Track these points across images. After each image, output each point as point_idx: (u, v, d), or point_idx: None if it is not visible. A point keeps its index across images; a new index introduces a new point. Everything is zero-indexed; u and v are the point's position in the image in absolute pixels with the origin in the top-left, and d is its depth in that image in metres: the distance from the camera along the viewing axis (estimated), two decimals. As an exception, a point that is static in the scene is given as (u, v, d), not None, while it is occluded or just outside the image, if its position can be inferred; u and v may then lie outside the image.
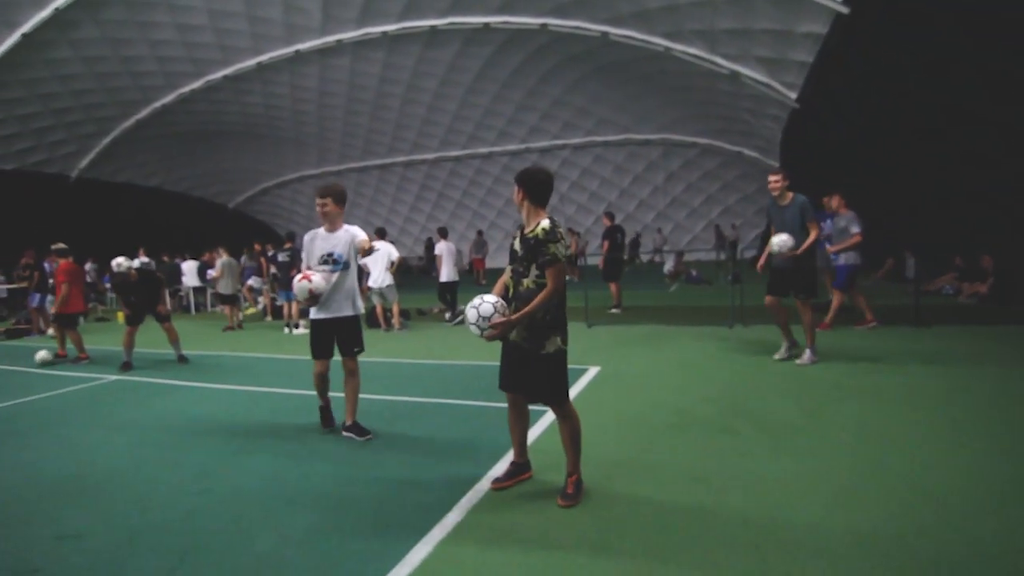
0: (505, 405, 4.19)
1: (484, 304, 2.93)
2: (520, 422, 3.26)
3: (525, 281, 2.97)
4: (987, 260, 9.88)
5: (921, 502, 2.82)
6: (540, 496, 3.09)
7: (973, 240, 10.38)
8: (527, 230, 2.99)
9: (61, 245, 8.34)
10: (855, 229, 7.32)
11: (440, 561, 2.49)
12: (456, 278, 10.81)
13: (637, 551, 2.51)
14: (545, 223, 2.93)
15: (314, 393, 4.54)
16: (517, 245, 3.03)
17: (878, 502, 2.84)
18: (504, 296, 3.09)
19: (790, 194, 5.72)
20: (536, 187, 2.99)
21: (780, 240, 5.60)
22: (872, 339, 6.87)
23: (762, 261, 6.20)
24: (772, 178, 5.81)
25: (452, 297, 10.71)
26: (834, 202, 7.68)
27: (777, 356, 6.03)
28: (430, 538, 2.67)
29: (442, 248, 10.68)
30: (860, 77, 11.62)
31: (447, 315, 10.70)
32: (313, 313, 4.20)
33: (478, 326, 2.95)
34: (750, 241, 23.40)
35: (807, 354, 5.79)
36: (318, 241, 4.22)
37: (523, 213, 3.04)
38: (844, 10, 10.75)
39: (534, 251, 2.91)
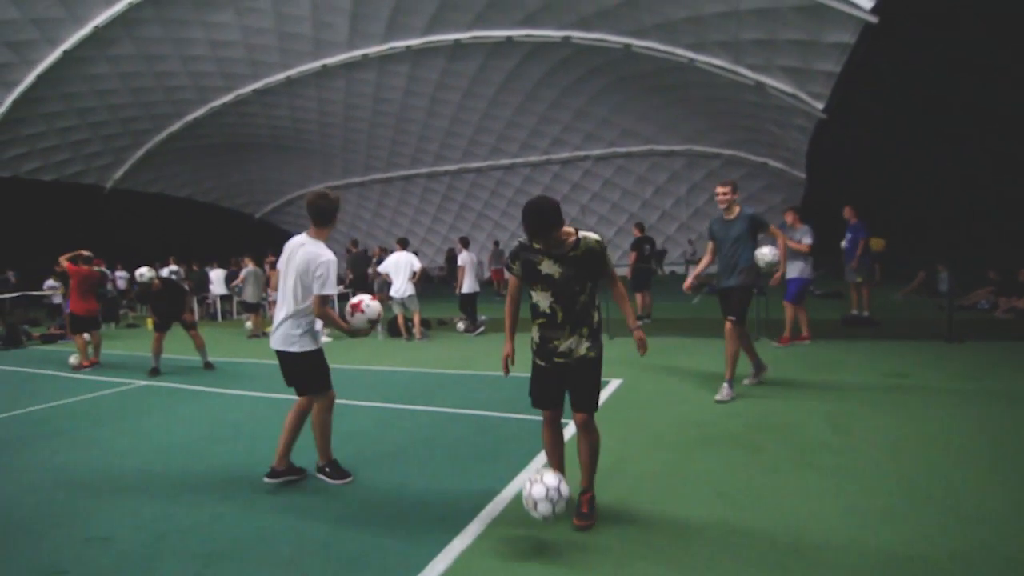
0: (526, 416, 4.17)
1: (552, 492, 2.64)
2: (560, 443, 3.12)
3: (582, 298, 2.86)
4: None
5: (954, 524, 2.71)
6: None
7: (1009, 253, 10.06)
8: (566, 250, 2.82)
9: (84, 252, 8.50)
10: (807, 240, 7.49)
11: (462, 571, 2.48)
12: (477, 289, 10.84)
13: (660, 569, 2.46)
14: (591, 235, 2.90)
15: (336, 400, 4.55)
16: (552, 268, 2.83)
17: (909, 523, 2.74)
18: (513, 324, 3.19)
19: (737, 208, 5.28)
20: (540, 218, 2.74)
21: (768, 254, 5.22)
22: (904, 355, 6.68)
23: (690, 282, 5.68)
24: (721, 190, 5.28)
25: (472, 308, 10.73)
26: (788, 217, 7.96)
27: (747, 381, 5.53)
28: (451, 549, 2.65)
29: (464, 259, 10.71)
30: (889, 87, 11.43)
31: (459, 325, 10.73)
32: (320, 343, 3.70)
33: (555, 511, 2.66)
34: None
35: (724, 389, 5.07)
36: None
37: (546, 243, 2.82)
38: (872, 19, 10.60)
39: (592, 264, 2.85)
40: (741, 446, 3.92)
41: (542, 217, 2.72)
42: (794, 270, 7.51)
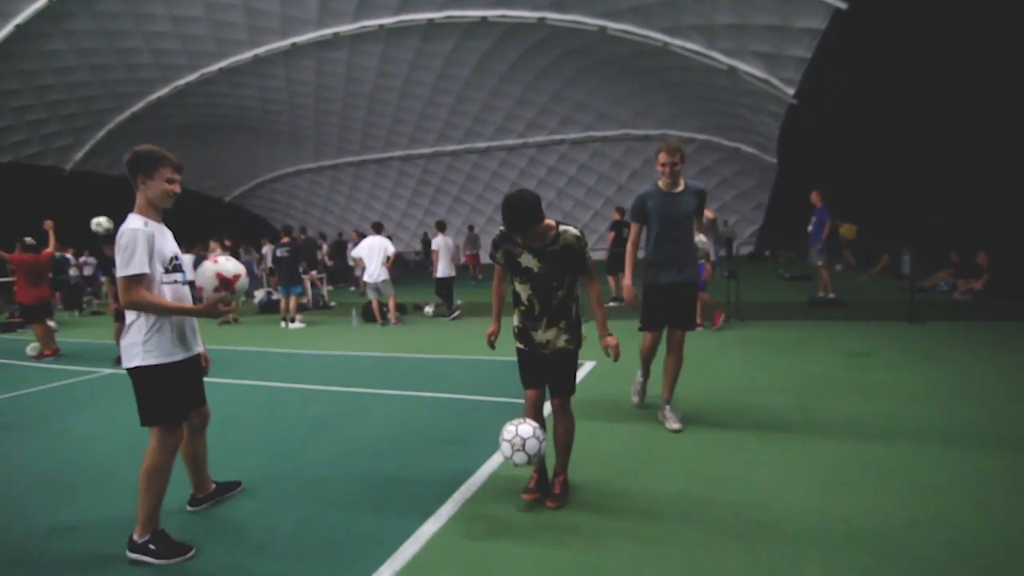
0: (500, 399, 4.21)
1: (531, 441, 2.77)
2: (541, 422, 3.07)
3: (560, 293, 2.90)
4: (983, 257, 9.91)
5: (912, 496, 2.83)
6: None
7: (969, 236, 10.41)
8: (546, 244, 2.83)
9: (27, 239, 8.13)
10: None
11: (434, 552, 2.50)
12: (453, 273, 10.81)
13: (629, 542, 2.52)
14: (571, 229, 2.88)
15: (310, 386, 4.51)
16: (531, 261, 2.85)
17: (869, 495, 2.86)
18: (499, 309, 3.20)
19: (683, 180, 4.12)
20: (519, 212, 2.70)
21: (704, 243, 4.34)
22: (867, 335, 6.89)
23: (629, 281, 4.40)
24: (667, 158, 3.98)
25: (448, 292, 10.70)
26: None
27: (636, 400, 4.58)
28: (424, 531, 2.67)
29: (439, 243, 10.67)
30: (858, 73, 11.62)
31: (427, 309, 10.73)
32: (177, 354, 2.66)
33: (531, 461, 2.80)
34: (746, 237, 23.44)
35: (668, 412, 4.07)
36: (157, 234, 2.64)
37: (526, 239, 2.82)
38: (842, 5, 10.72)
39: (570, 259, 2.87)
40: (709, 425, 4.01)
41: (523, 212, 2.68)
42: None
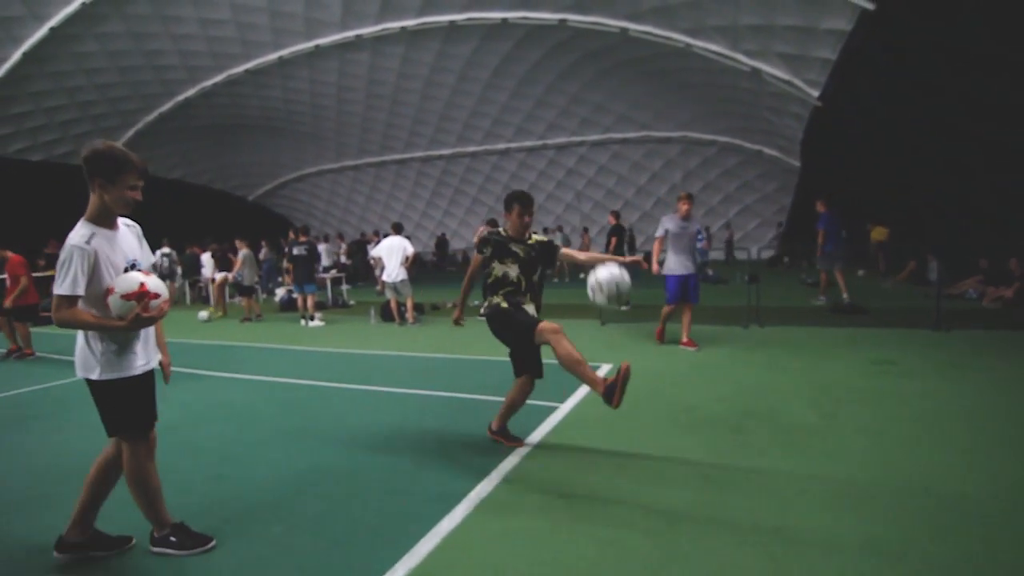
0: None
1: (625, 278, 3.71)
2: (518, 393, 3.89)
3: (534, 277, 3.84)
4: (1014, 263, 9.64)
5: (935, 506, 2.77)
6: (548, 492, 3.10)
7: (1000, 242, 10.14)
8: (528, 238, 3.85)
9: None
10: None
11: (448, 551, 2.52)
12: None
13: (645, 549, 2.50)
14: (542, 236, 4.01)
15: (327, 383, 4.54)
16: (520, 250, 3.77)
17: (891, 506, 2.80)
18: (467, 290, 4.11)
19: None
20: (532, 204, 3.88)
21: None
22: (891, 342, 6.75)
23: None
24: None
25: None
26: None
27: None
28: (438, 530, 2.69)
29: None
30: (885, 75, 11.40)
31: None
32: (137, 367, 2.51)
33: (621, 296, 3.74)
34: (768, 241, 23.11)
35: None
36: (106, 245, 2.41)
37: (519, 228, 3.81)
38: (870, 6, 10.53)
39: (545, 253, 3.89)
40: (728, 430, 3.97)
41: (530, 199, 3.86)
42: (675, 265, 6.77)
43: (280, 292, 13.73)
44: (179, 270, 15.77)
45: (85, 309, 2.37)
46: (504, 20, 15.83)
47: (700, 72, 16.34)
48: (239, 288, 11.58)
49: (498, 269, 3.73)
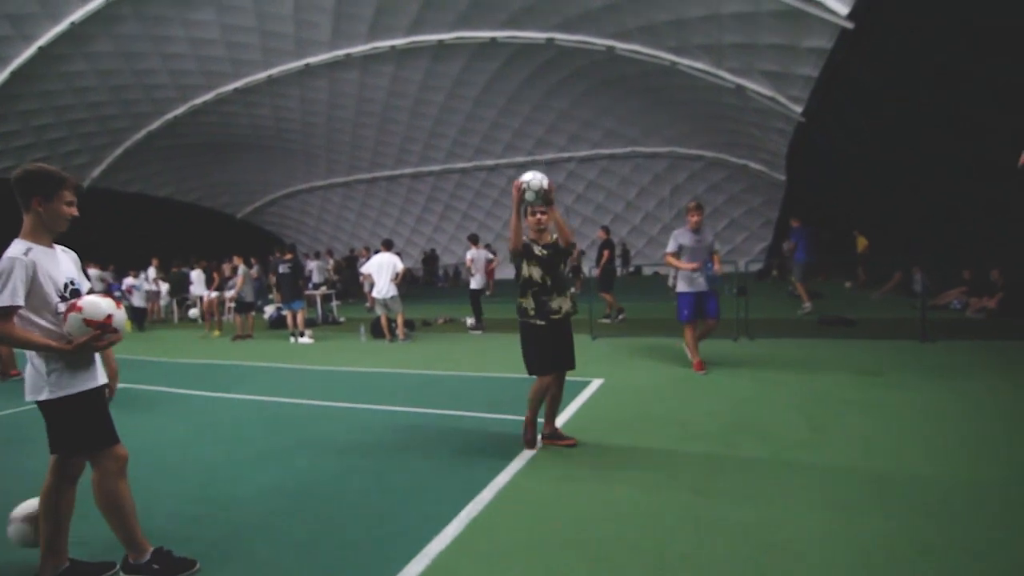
0: (507, 416, 4.27)
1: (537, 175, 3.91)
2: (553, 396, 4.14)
3: (561, 269, 4.21)
4: (996, 274, 9.80)
5: (924, 519, 2.79)
6: (539, 509, 3.08)
7: (982, 253, 10.31)
8: (551, 239, 4.13)
9: None
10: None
11: (437, 573, 2.49)
12: (481, 286, 11.06)
13: (635, 567, 2.49)
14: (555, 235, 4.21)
15: (317, 402, 4.48)
16: (540, 251, 4.03)
17: (881, 519, 2.81)
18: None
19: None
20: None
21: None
22: (878, 354, 6.82)
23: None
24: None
25: (476, 304, 10.81)
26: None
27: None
28: (428, 551, 2.66)
29: (473, 254, 11.03)
30: (866, 91, 11.65)
31: (468, 321, 10.90)
32: (87, 383, 2.46)
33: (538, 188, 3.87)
34: (755, 254, 23.34)
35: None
36: (45, 259, 2.41)
37: (544, 228, 4.08)
38: (849, 25, 10.79)
39: (559, 250, 4.12)
40: (719, 444, 3.98)
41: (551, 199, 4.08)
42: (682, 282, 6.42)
43: (269, 309, 13.65)
44: (164, 288, 15.67)
45: (23, 326, 2.33)
46: (492, 39, 16.05)
47: (686, 89, 16.61)
48: (241, 305, 11.38)
49: (525, 270, 4.01)
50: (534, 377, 4.01)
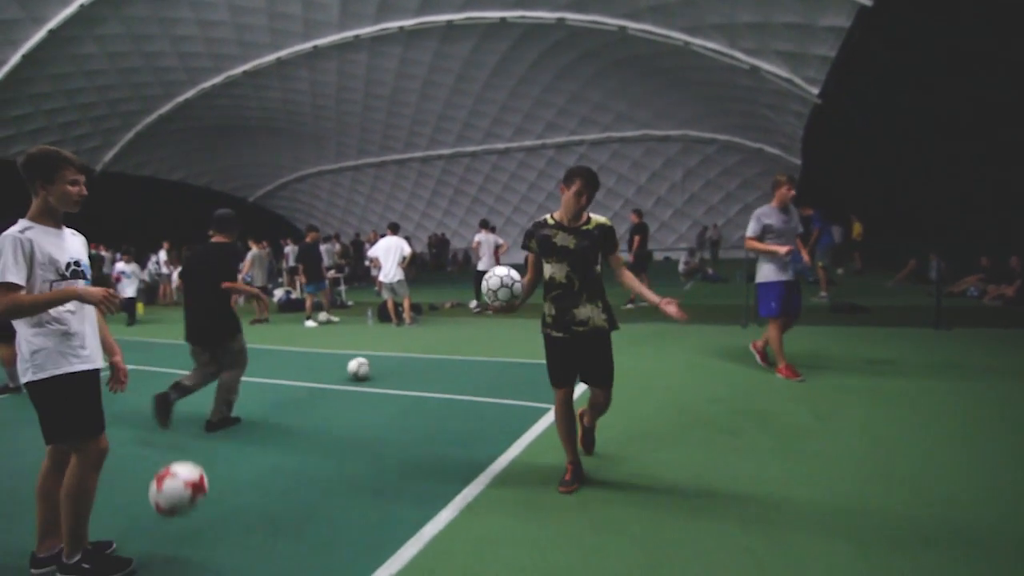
0: (511, 401, 4.17)
1: (512, 272, 3.09)
2: (574, 422, 3.21)
3: (597, 268, 3.11)
4: (1015, 261, 9.58)
5: (927, 509, 2.73)
6: (535, 495, 3.06)
7: (1001, 240, 10.07)
8: (580, 224, 3.08)
9: None
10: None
11: (430, 556, 2.48)
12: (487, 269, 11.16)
13: (630, 555, 2.46)
14: (602, 217, 3.17)
15: (322, 385, 4.46)
16: (567, 240, 3.04)
17: (882, 508, 2.75)
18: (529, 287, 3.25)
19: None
20: (596, 187, 3.07)
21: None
22: (891, 341, 6.70)
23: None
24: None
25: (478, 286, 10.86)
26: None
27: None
28: (422, 535, 2.65)
29: (482, 238, 11.11)
30: (885, 72, 11.33)
31: (472, 304, 11.00)
32: (74, 364, 2.38)
33: (507, 288, 3.03)
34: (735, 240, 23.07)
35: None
36: (44, 239, 2.35)
37: (573, 209, 3.03)
38: (868, 3, 10.47)
39: (604, 238, 3.10)
40: (723, 431, 3.92)
41: (596, 179, 3.07)
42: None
43: (278, 293, 13.72)
44: (175, 272, 15.81)
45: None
46: (502, 19, 15.82)
47: (699, 70, 16.29)
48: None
49: (546, 269, 3.14)
50: (535, 363, 3.84)
